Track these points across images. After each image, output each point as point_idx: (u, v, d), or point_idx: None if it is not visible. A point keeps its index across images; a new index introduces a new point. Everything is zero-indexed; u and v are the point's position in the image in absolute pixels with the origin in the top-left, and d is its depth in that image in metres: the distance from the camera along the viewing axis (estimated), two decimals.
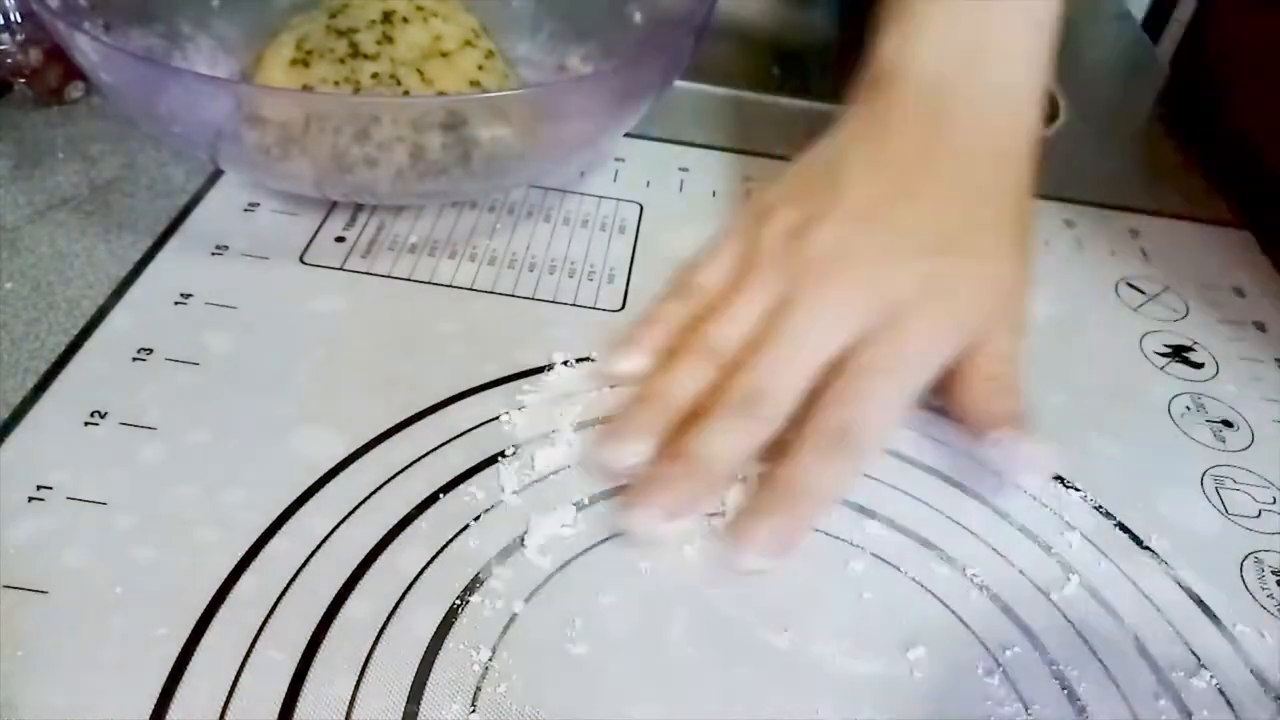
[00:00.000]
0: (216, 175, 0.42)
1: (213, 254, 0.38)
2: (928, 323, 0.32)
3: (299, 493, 0.29)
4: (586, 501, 0.30)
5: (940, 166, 0.35)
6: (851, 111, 0.37)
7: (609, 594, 0.28)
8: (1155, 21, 0.72)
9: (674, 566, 0.29)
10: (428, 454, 0.31)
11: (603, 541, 0.29)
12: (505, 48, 0.45)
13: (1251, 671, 0.28)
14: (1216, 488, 0.33)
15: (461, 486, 0.30)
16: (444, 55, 0.40)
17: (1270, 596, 0.30)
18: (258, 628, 0.26)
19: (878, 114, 0.36)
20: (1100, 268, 0.43)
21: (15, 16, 0.42)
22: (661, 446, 0.30)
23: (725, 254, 0.35)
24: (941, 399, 0.34)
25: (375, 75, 0.39)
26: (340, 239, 0.39)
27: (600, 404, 0.33)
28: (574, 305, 0.38)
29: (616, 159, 0.46)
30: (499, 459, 0.31)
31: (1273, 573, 0.31)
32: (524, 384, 0.34)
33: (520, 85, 0.43)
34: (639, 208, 0.43)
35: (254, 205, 0.40)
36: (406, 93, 0.39)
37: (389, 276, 0.38)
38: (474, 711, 0.25)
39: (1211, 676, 0.28)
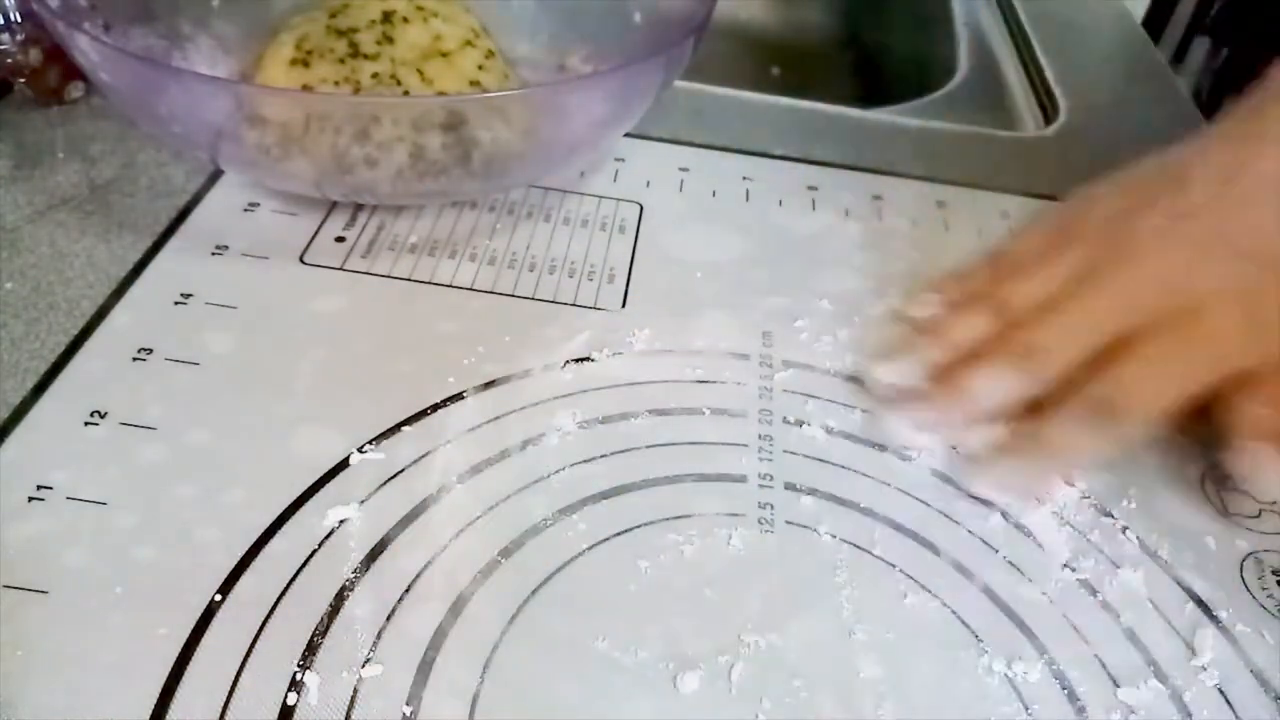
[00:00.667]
0: (216, 175, 0.42)
1: (213, 254, 0.38)
2: (1226, 325, 0.32)
3: (299, 493, 0.29)
4: (589, 499, 0.30)
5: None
6: (1220, 124, 0.37)
7: (610, 593, 0.28)
8: (1155, 21, 0.72)
9: (672, 563, 0.29)
10: (428, 454, 0.31)
11: (603, 541, 0.29)
12: (505, 48, 0.45)
13: (1251, 671, 0.28)
14: (1217, 488, 0.33)
15: (462, 486, 0.30)
16: (444, 55, 0.40)
17: (1270, 596, 0.30)
18: (258, 628, 0.26)
19: (1248, 129, 0.36)
20: None
21: (15, 16, 0.42)
22: (933, 376, 0.33)
23: (1040, 230, 0.36)
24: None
25: (375, 75, 0.39)
26: (340, 239, 0.39)
27: (601, 403, 0.33)
28: (574, 305, 0.38)
29: (616, 159, 0.46)
30: (500, 458, 0.31)
31: (1273, 573, 0.31)
32: (524, 384, 0.34)
33: (520, 85, 0.43)
34: (639, 208, 0.43)
35: (254, 205, 0.40)
36: (406, 93, 0.39)
37: (389, 276, 0.38)
38: (474, 711, 0.25)
39: (1211, 676, 0.28)
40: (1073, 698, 0.27)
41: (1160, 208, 0.34)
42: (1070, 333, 0.32)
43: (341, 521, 0.29)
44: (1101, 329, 0.32)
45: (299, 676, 0.25)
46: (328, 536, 0.28)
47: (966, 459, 0.33)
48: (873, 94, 0.67)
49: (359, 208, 0.41)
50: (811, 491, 0.32)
